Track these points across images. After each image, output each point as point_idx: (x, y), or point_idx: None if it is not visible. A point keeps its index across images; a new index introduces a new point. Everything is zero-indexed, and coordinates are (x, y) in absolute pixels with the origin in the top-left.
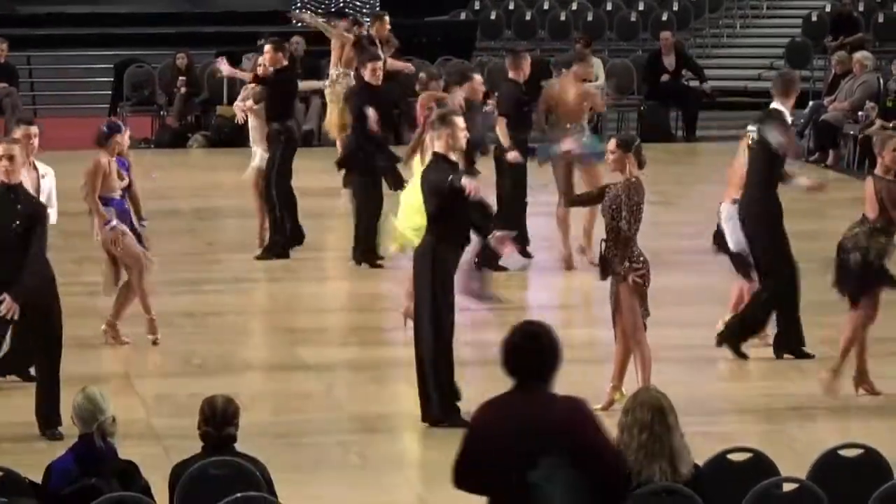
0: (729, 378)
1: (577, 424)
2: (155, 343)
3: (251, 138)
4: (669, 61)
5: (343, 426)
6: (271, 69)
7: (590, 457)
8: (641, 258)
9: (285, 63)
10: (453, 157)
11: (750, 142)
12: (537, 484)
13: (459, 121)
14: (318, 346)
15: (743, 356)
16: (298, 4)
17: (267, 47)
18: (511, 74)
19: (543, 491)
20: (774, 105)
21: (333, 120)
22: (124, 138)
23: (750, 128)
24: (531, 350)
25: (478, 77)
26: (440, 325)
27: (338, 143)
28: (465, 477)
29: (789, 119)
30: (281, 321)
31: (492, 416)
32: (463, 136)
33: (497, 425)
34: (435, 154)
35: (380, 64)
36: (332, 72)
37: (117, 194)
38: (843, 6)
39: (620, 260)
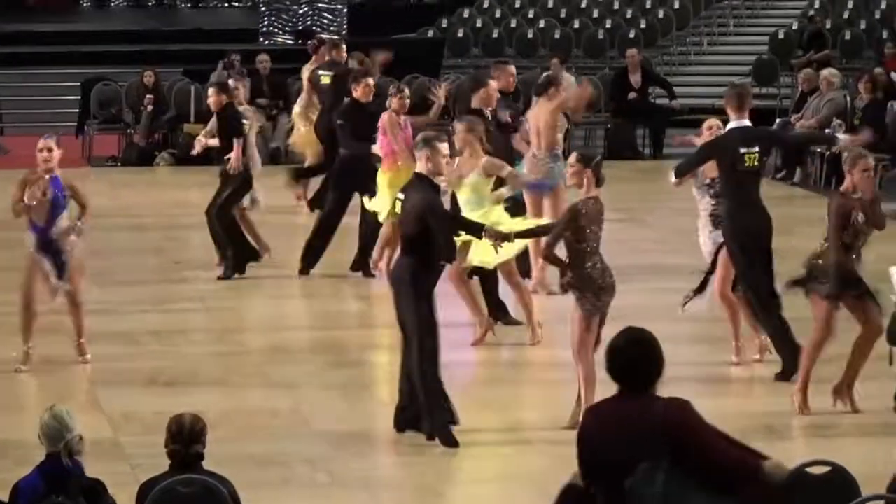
0: (696, 395)
1: (684, 426)
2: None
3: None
4: (636, 79)
5: (310, 444)
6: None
7: (698, 456)
8: (599, 279)
9: (227, 101)
10: (435, 180)
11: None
12: (636, 488)
13: (443, 147)
14: (285, 364)
15: None
16: (266, 22)
17: (210, 90)
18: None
19: (643, 494)
20: (732, 123)
21: (303, 138)
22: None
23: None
24: (639, 356)
25: (493, 83)
26: (427, 345)
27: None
28: (584, 475)
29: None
30: (248, 339)
31: (600, 423)
32: (444, 163)
33: (606, 431)
34: (416, 174)
35: (371, 81)
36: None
37: (39, 220)
38: (816, 23)
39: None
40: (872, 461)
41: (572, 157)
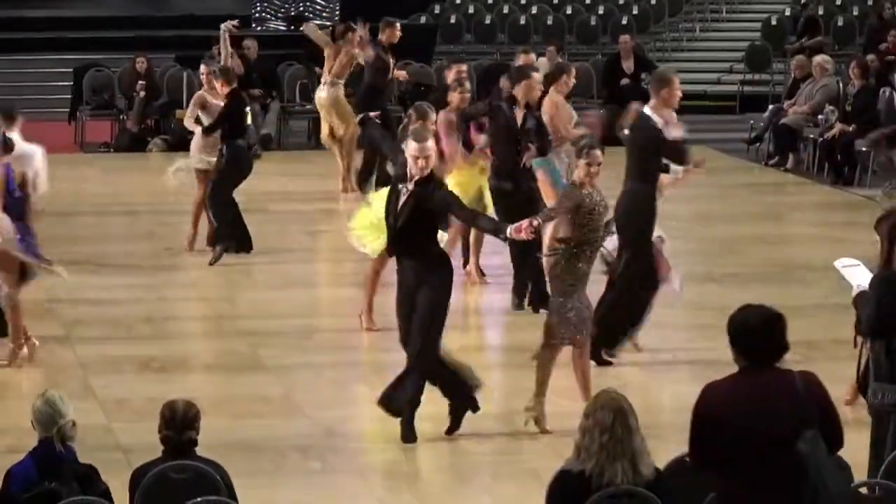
0: (687, 381)
1: (820, 395)
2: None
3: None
4: (628, 65)
5: (303, 430)
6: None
7: (829, 421)
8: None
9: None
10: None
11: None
12: (803, 453)
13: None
14: (278, 350)
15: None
16: (258, 8)
17: (217, 81)
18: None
19: (809, 458)
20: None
21: (326, 129)
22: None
23: None
24: (772, 332)
25: (536, 75)
26: (434, 339)
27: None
28: (704, 459)
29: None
30: (240, 325)
31: (735, 399)
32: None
33: (743, 406)
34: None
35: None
36: (323, 79)
37: None
38: (808, 10)
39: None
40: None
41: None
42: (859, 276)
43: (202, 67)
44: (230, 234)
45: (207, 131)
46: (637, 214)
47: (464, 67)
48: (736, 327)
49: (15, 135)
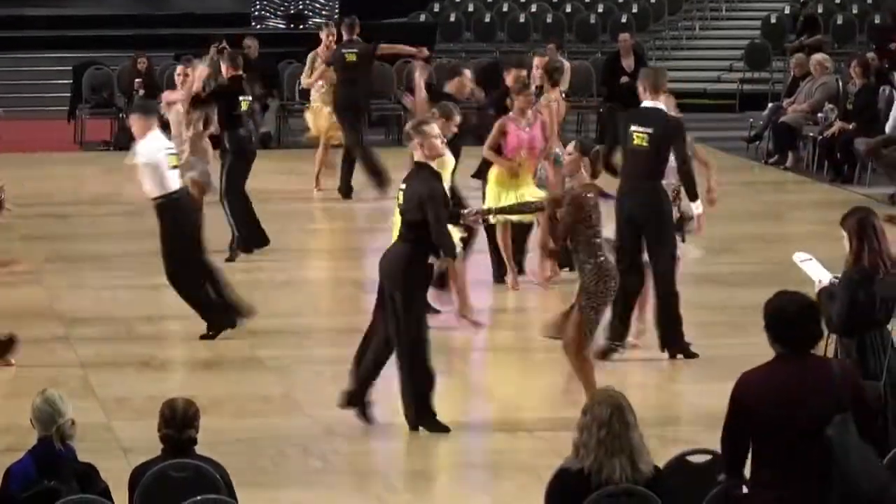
0: (687, 380)
1: (853, 381)
2: None
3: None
4: (628, 63)
5: (303, 429)
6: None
7: (861, 408)
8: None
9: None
10: (433, 164)
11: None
12: (834, 437)
13: (431, 129)
14: (278, 349)
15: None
16: (258, 6)
17: (223, 65)
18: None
19: (839, 442)
20: (648, 103)
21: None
22: None
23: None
24: (810, 320)
25: (467, 72)
26: (419, 332)
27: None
28: (738, 447)
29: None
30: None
31: (775, 386)
32: (439, 144)
33: (783, 393)
34: (417, 164)
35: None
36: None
37: None
38: (808, 8)
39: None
40: None
41: (570, 146)
42: (816, 271)
43: (178, 68)
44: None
45: (198, 104)
46: (663, 209)
47: (523, 72)
48: (772, 315)
49: None
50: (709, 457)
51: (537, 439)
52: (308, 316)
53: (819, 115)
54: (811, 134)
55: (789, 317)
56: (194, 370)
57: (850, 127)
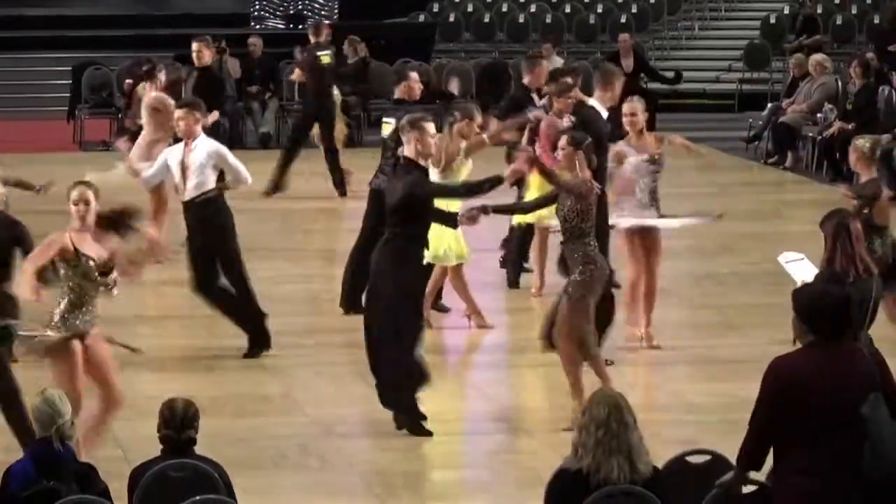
0: (686, 380)
1: (885, 365)
2: None
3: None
4: (628, 63)
5: (302, 429)
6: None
7: (890, 390)
8: (599, 259)
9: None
10: (422, 162)
11: None
12: (868, 413)
13: (429, 126)
14: (276, 349)
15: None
16: (257, 6)
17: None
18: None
19: (873, 418)
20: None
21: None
22: None
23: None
24: (844, 310)
25: (414, 74)
26: (410, 327)
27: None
28: (769, 432)
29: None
30: None
31: (812, 371)
32: (433, 143)
33: (821, 377)
34: (404, 158)
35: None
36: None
37: None
38: (807, 8)
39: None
40: None
41: (563, 140)
42: (803, 271)
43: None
44: None
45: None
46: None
47: (568, 78)
48: (806, 305)
49: None
50: (708, 457)
51: (537, 439)
52: (307, 316)
53: (818, 115)
54: (810, 134)
55: (823, 308)
56: (194, 370)
57: (850, 127)
